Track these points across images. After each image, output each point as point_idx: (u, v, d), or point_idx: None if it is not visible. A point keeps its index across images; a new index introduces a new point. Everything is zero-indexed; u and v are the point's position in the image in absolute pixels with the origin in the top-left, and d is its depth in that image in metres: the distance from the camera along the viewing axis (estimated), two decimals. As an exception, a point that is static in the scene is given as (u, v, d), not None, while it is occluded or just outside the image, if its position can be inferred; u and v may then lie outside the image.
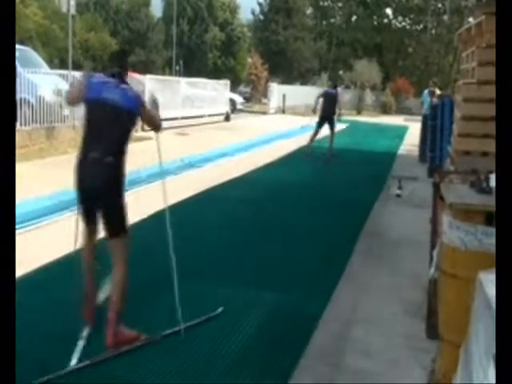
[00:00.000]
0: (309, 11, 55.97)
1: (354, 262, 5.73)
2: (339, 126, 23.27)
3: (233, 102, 27.59)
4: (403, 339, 3.99)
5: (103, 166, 3.55)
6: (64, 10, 14.71)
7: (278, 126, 21.63)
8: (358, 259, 5.85)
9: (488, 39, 4.25)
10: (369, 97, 42.38)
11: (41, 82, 13.23)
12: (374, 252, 6.17)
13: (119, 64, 3.80)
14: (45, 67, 15.34)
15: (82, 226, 3.81)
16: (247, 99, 39.80)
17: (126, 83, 3.78)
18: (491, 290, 1.77)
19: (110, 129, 3.63)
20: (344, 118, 18.68)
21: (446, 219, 3.09)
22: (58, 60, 30.10)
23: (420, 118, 14.92)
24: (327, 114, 13.47)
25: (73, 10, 14.63)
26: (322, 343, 3.89)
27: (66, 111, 13.94)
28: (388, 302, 4.68)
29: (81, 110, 4.02)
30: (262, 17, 52.32)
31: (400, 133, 22.12)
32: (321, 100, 13.66)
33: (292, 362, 3.57)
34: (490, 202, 2.97)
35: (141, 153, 7.93)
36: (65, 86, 14.13)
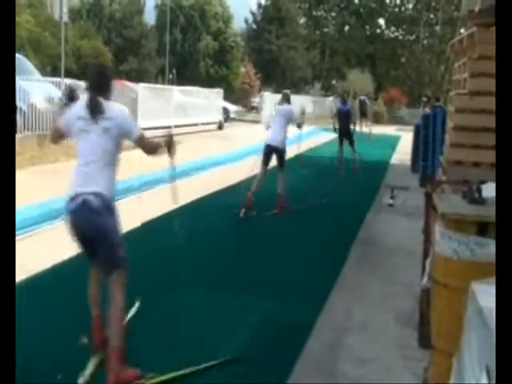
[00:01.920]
0: (302, 21, 56.29)
1: (347, 271, 5.73)
2: (331, 136, 23.32)
3: (226, 111, 27.49)
4: (396, 348, 3.99)
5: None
6: (56, 17, 14.67)
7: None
8: (351, 268, 5.85)
9: (480, 50, 4.28)
10: (361, 106, 42.45)
11: (33, 89, 13.20)
12: (367, 261, 6.17)
13: (343, 97, 15.69)
14: (37, 75, 15.31)
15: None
16: (248, 107, 39.88)
17: (345, 103, 13.75)
18: (484, 301, 1.77)
19: (343, 116, 13.12)
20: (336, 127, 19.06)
21: (438, 229, 3.10)
22: (50, 67, 30.07)
23: (412, 127, 14.97)
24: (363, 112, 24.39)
25: (65, 18, 14.60)
26: (316, 351, 3.88)
27: (59, 119, 13.87)
28: (381, 311, 4.68)
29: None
30: (254, 26, 52.51)
31: (392, 142, 22.19)
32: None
33: (286, 369, 3.57)
34: (482, 212, 2.99)
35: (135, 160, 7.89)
36: (57, 94, 14.12)
